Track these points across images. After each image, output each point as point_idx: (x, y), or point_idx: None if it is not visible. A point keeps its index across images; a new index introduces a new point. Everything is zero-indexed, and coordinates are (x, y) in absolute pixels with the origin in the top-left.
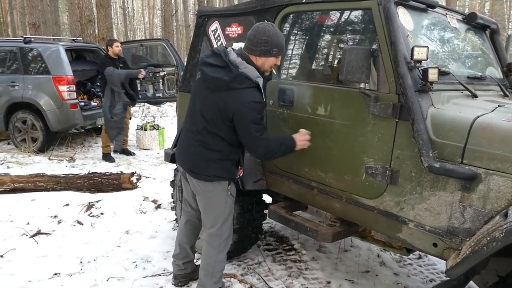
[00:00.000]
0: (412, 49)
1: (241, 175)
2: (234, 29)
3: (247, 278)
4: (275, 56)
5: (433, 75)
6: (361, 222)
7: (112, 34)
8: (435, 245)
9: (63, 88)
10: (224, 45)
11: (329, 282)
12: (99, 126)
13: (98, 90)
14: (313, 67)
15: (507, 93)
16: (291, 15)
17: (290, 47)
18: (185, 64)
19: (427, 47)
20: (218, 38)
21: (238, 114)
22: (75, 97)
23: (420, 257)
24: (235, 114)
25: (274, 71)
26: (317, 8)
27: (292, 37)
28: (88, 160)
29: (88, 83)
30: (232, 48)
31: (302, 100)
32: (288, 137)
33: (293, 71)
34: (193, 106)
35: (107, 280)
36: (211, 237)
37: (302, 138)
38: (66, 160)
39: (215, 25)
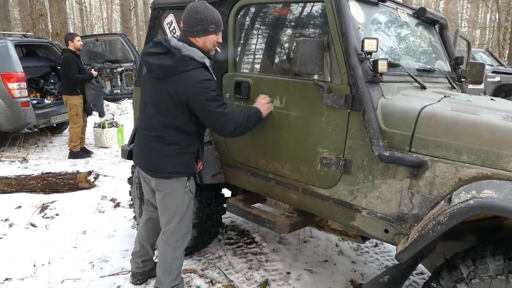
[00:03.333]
0: (363, 41)
1: (200, 168)
2: None
3: (207, 272)
4: (214, 33)
5: (382, 66)
6: (317, 212)
7: (67, 29)
8: (386, 231)
9: (12, 85)
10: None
11: (288, 273)
12: (54, 124)
13: (52, 87)
14: (268, 59)
15: (455, 85)
16: (246, 7)
17: (245, 39)
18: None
19: (377, 39)
20: (174, 30)
21: (192, 96)
22: (27, 94)
23: (376, 245)
24: (189, 98)
25: (218, 49)
26: (271, 1)
27: (247, 30)
28: (43, 160)
29: (41, 80)
30: (173, 36)
31: (258, 93)
32: (251, 108)
33: (248, 64)
34: (144, 102)
35: (61, 282)
36: (168, 234)
37: (263, 103)
38: (18, 161)
39: (170, 17)
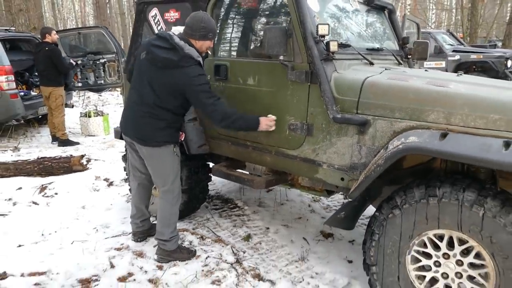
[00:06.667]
0: (317, 27)
1: (182, 139)
2: (172, 15)
3: (198, 231)
4: (210, 39)
5: (334, 46)
6: (287, 170)
7: (43, 23)
8: (342, 179)
9: (1, 78)
10: (163, 29)
11: (268, 228)
12: (40, 116)
13: (37, 79)
14: (242, 45)
15: (401, 61)
16: (221, 1)
17: (222, 28)
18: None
19: (328, 24)
20: (158, 23)
21: (189, 87)
22: (15, 86)
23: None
24: (186, 89)
25: (209, 52)
26: None
27: (223, 20)
28: (33, 149)
29: (25, 73)
30: (173, 33)
31: (234, 74)
32: (253, 116)
33: (225, 50)
34: (139, 82)
35: (71, 243)
36: (165, 193)
37: (267, 121)
38: (10, 149)
39: (154, 11)
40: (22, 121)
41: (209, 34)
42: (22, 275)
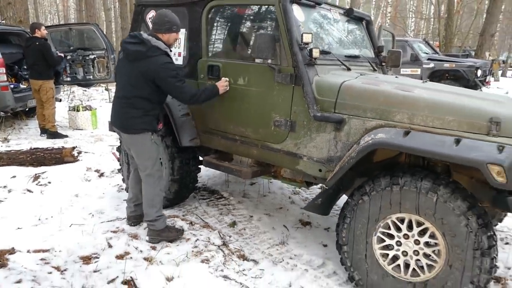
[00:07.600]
0: (302, 35)
1: (161, 127)
2: None
3: (187, 217)
4: (176, 32)
5: (316, 53)
6: (272, 162)
7: (29, 16)
8: (320, 170)
9: None
10: None
11: (251, 216)
12: (27, 109)
13: (26, 73)
14: (233, 48)
15: (376, 68)
16: (215, 7)
17: (215, 32)
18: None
19: (312, 33)
20: None
21: (157, 74)
22: (5, 79)
23: None
24: (156, 75)
25: (178, 43)
26: (235, 3)
27: (216, 25)
28: (23, 140)
29: (15, 66)
30: (144, 33)
31: (226, 74)
32: (211, 85)
33: (218, 52)
34: (120, 78)
35: (70, 226)
36: (147, 177)
37: (222, 84)
38: (0, 141)
39: (152, 13)
40: (9, 114)
41: (173, 27)
42: (28, 251)
